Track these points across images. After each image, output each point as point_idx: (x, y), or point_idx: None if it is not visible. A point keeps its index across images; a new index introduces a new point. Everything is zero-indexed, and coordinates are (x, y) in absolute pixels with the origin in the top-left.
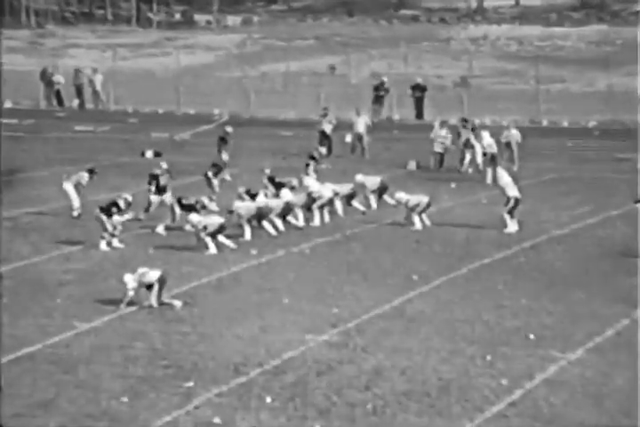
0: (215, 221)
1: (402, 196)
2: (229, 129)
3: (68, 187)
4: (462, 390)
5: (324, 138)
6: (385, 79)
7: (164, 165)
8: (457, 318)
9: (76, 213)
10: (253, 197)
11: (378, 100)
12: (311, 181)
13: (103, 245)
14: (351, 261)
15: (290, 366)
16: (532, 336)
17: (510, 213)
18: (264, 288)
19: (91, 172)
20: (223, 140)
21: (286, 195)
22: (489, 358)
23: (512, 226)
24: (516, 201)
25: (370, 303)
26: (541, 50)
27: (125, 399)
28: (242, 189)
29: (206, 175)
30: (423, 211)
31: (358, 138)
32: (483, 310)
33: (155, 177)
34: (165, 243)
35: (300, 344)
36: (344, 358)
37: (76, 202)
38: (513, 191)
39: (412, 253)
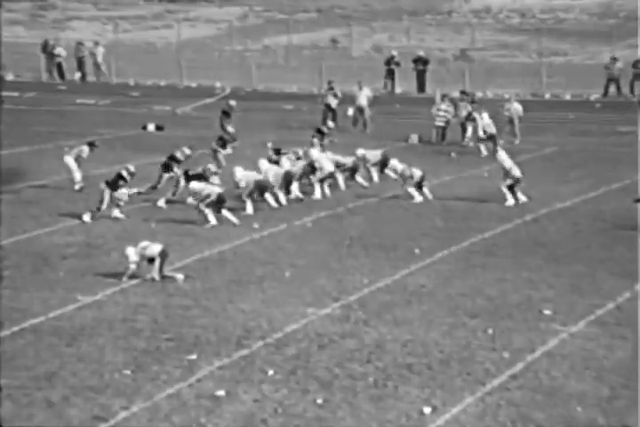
0: (214, 189)
1: (396, 163)
2: (233, 103)
3: (69, 160)
4: (464, 363)
5: (329, 111)
6: (395, 53)
7: (187, 151)
8: (458, 292)
9: (77, 187)
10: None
11: (389, 73)
12: (315, 152)
13: (87, 217)
14: (353, 235)
15: (292, 340)
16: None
17: (511, 189)
18: (266, 262)
19: (91, 145)
20: (226, 114)
21: (285, 163)
22: (490, 331)
23: (511, 200)
24: (518, 180)
25: (371, 277)
26: (544, 22)
27: (128, 372)
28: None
29: (212, 148)
30: (419, 184)
31: (360, 111)
32: (484, 284)
33: (175, 160)
34: (167, 216)
35: (301, 317)
36: (346, 332)
37: (77, 175)
38: (516, 172)
39: (414, 226)
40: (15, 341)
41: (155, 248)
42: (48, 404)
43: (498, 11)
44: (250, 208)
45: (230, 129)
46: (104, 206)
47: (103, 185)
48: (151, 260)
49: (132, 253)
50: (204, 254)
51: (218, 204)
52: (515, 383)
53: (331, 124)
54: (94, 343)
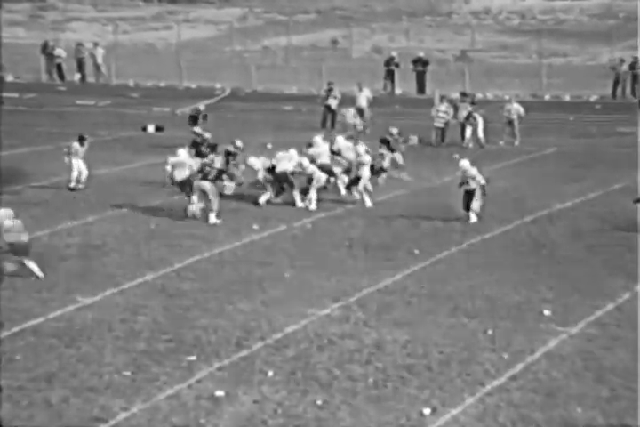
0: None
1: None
2: (202, 107)
3: (67, 160)
4: (463, 364)
5: (329, 112)
6: (394, 54)
7: (239, 143)
8: (458, 293)
9: (72, 185)
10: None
11: (389, 74)
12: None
13: (213, 219)
14: (352, 236)
15: (291, 340)
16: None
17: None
18: (266, 262)
19: (81, 139)
20: (194, 119)
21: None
22: (490, 332)
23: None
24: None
25: (371, 278)
26: (543, 23)
27: (128, 373)
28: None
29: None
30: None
31: (360, 112)
32: (484, 285)
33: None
34: (167, 217)
35: (301, 318)
36: (345, 333)
37: (73, 174)
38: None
39: (413, 227)
40: (15, 342)
41: (24, 237)
42: (48, 405)
43: (497, 12)
44: (265, 197)
45: (200, 131)
46: (215, 206)
47: (198, 182)
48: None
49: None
50: (204, 255)
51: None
52: (514, 384)
53: (394, 130)
54: (94, 344)
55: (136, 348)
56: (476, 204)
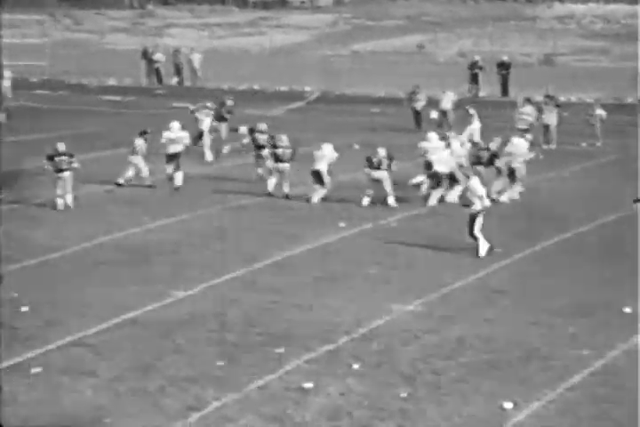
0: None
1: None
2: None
3: (132, 158)
4: (544, 359)
5: (416, 114)
6: (477, 58)
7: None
8: (540, 290)
9: (121, 181)
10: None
11: (474, 78)
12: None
13: (392, 201)
14: (437, 234)
15: (376, 335)
16: (627, 310)
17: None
18: (352, 259)
19: (143, 134)
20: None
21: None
22: (571, 329)
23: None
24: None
25: (454, 274)
26: (627, 28)
27: (221, 364)
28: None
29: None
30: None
31: (444, 114)
32: (567, 283)
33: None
34: (258, 214)
35: (385, 314)
36: (429, 328)
37: (129, 172)
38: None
39: (496, 227)
40: (114, 333)
41: None
42: (145, 393)
43: (581, 16)
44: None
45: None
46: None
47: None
48: None
49: None
50: (294, 252)
51: None
52: (595, 380)
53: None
54: (188, 336)
55: (228, 340)
56: (477, 228)
